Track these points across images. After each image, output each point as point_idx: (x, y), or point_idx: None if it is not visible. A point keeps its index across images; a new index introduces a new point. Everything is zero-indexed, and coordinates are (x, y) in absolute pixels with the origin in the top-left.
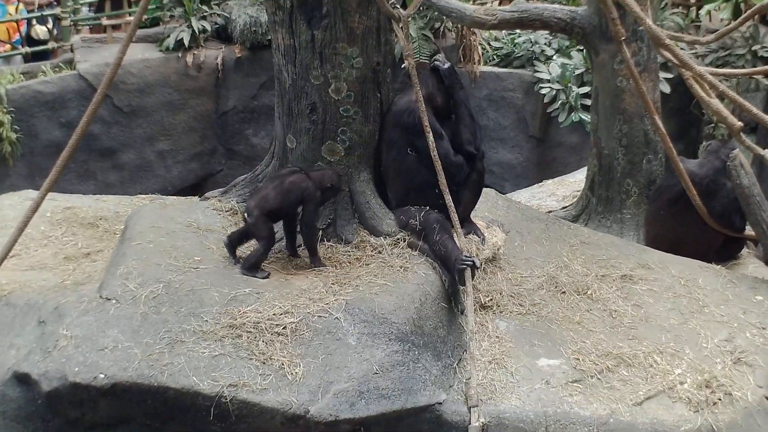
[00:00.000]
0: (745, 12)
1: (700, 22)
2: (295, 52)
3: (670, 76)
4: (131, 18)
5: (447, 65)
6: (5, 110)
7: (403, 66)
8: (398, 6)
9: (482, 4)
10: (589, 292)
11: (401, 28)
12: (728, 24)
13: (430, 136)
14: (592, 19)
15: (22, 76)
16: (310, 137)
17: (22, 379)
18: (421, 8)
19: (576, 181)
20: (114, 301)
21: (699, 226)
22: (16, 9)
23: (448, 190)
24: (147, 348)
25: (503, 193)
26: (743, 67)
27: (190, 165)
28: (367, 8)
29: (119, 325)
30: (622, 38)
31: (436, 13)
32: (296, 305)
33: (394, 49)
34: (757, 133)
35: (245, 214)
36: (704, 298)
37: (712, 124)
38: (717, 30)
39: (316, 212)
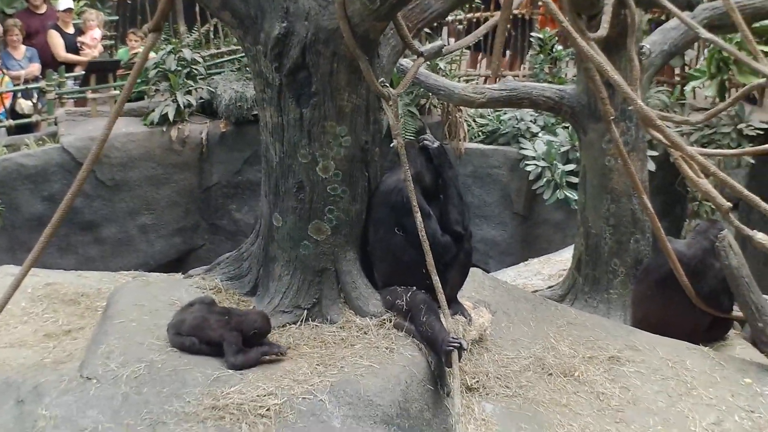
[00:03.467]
0: (730, 89)
1: (685, 99)
2: (283, 130)
3: (655, 153)
4: (116, 92)
5: (436, 144)
6: None
7: (392, 144)
8: (387, 84)
9: (468, 81)
10: (576, 374)
11: (390, 106)
12: (714, 101)
13: (419, 216)
14: (581, 98)
15: (5, 149)
16: (297, 216)
17: None
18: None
19: (562, 260)
20: (95, 381)
21: (686, 307)
22: (1, 82)
23: (435, 271)
24: (128, 429)
25: (488, 271)
26: (728, 145)
27: (172, 240)
28: (357, 86)
29: (100, 405)
30: (611, 118)
31: (422, 89)
32: (280, 386)
33: (383, 128)
34: (739, 210)
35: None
36: (692, 380)
37: (697, 202)
38: (702, 108)
39: (236, 348)
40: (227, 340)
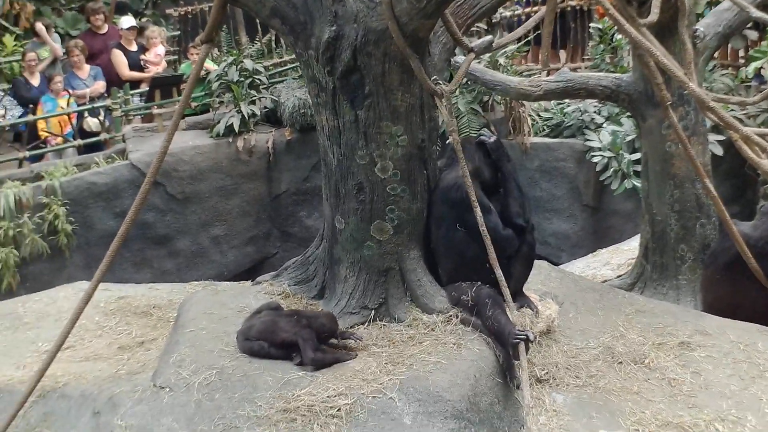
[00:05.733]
0: None
1: (750, 82)
2: (340, 132)
3: (722, 138)
4: None
5: (493, 139)
6: (60, 203)
7: (448, 141)
8: (441, 82)
9: (530, 75)
10: (646, 361)
11: (444, 103)
12: None
13: (479, 211)
14: (638, 85)
15: (75, 168)
16: (359, 217)
17: None
18: (468, 83)
19: (630, 248)
20: (168, 390)
21: (756, 289)
22: (68, 102)
23: (498, 265)
24: None
25: (559, 264)
26: None
27: (245, 249)
28: (410, 86)
29: (173, 413)
30: (668, 103)
31: (483, 87)
32: (350, 386)
33: (439, 125)
34: None
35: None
36: (765, 362)
37: None
38: None
39: (313, 344)
40: (303, 337)
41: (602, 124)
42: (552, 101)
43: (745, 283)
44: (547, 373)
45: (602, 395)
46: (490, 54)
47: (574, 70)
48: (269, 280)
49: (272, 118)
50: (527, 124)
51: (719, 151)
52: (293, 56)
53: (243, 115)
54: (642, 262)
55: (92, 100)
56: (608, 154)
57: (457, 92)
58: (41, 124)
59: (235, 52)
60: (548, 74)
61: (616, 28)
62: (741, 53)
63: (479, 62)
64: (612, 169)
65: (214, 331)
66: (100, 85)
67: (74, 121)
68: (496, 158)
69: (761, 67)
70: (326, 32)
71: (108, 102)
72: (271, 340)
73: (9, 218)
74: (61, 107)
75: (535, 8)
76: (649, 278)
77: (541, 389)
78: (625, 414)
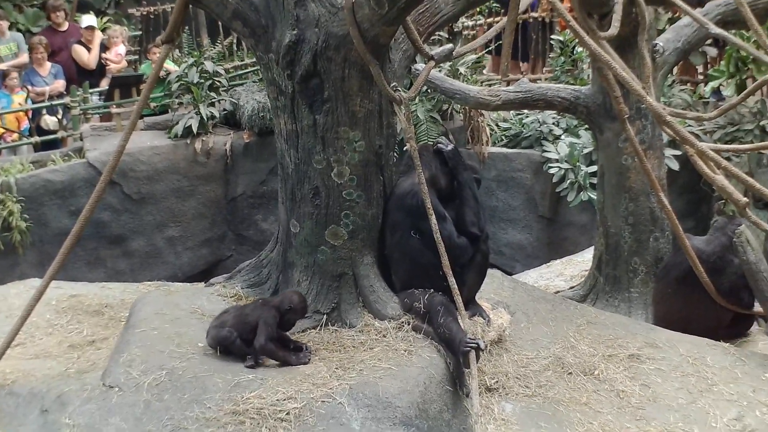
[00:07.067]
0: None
1: (708, 98)
2: (297, 136)
3: (678, 152)
4: None
5: (450, 147)
6: (15, 199)
7: (406, 148)
8: (400, 89)
9: (490, 85)
10: (596, 373)
11: (402, 110)
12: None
13: (434, 219)
14: (596, 97)
15: (31, 165)
16: (314, 221)
17: None
18: (428, 90)
19: (584, 260)
20: (117, 389)
21: (707, 304)
22: (25, 99)
23: (452, 273)
24: None
25: (513, 274)
26: (751, 142)
27: (200, 251)
28: (369, 91)
29: (122, 413)
30: (626, 116)
31: (442, 95)
32: (300, 390)
33: (397, 132)
34: None
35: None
36: (713, 376)
37: (723, 200)
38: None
39: (269, 331)
40: (265, 320)
41: (560, 135)
42: (511, 111)
43: (696, 297)
44: (496, 382)
45: (551, 405)
46: (451, 62)
47: (534, 81)
48: (222, 282)
49: (231, 120)
50: (486, 133)
51: (675, 165)
52: (254, 59)
53: (202, 117)
54: (595, 273)
55: (51, 98)
56: (565, 165)
57: (416, 100)
58: None
59: (196, 53)
60: (508, 84)
61: (576, 40)
62: (700, 69)
63: (439, 70)
64: (568, 181)
65: (166, 332)
66: (60, 84)
67: (30, 116)
68: (452, 166)
69: (720, 85)
70: (287, 36)
71: (67, 100)
72: (240, 331)
73: None
74: (19, 104)
75: (497, 18)
76: (602, 290)
77: (491, 398)
78: (573, 424)
